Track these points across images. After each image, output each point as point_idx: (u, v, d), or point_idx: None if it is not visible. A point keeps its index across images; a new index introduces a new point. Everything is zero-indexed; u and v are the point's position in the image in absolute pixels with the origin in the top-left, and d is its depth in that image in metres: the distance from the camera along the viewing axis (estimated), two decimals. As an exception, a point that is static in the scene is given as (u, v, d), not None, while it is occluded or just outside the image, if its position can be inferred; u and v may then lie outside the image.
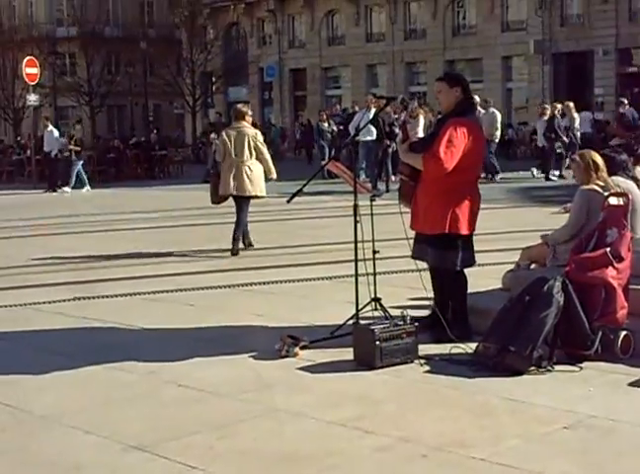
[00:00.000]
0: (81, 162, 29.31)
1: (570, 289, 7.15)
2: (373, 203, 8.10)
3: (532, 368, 6.93)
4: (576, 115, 27.63)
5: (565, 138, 26.07)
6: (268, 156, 13.84)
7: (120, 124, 62.66)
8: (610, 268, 7.29)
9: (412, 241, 8.21)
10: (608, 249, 7.38)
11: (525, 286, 7.34)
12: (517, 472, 5.13)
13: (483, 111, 26.15)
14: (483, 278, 9.50)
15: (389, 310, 8.10)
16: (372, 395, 6.64)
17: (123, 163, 35.99)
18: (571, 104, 27.99)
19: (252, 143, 13.58)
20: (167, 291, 10.80)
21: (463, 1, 48.64)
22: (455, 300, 8.13)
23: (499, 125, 27.09)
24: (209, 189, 14.50)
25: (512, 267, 9.27)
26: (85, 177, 29.46)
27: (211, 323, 9.07)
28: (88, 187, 29.17)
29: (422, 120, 25.48)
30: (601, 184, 8.40)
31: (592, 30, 43.33)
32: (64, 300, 10.43)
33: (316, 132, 33.86)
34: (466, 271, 8.17)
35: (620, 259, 7.34)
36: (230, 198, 13.99)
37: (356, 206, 8.06)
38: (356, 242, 7.98)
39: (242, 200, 13.75)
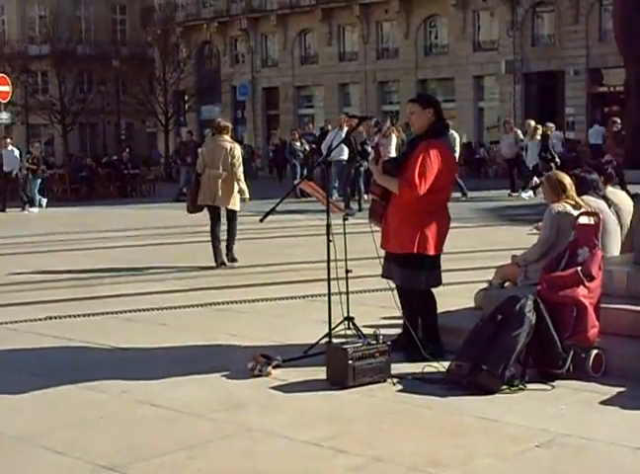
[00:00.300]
0: (39, 180, 29.03)
1: (542, 308, 7.19)
2: (346, 222, 8.14)
3: (505, 387, 6.95)
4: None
5: (557, 159, 26.16)
6: (240, 174, 14.02)
7: (92, 143, 62.52)
8: (582, 287, 7.34)
9: (383, 260, 8.24)
10: (580, 268, 7.43)
11: (498, 305, 7.37)
12: (489, 491, 5.16)
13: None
14: (455, 297, 9.54)
15: (362, 329, 8.12)
16: (346, 414, 6.64)
17: (96, 182, 35.89)
18: (532, 122, 28.24)
19: (228, 157, 13.87)
20: (140, 311, 10.77)
21: (435, 21, 48.96)
22: (426, 319, 8.16)
23: (458, 148, 27.18)
24: (187, 198, 14.87)
25: (484, 285, 9.32)
26: (37, 196, 29.16)
27: (184, 342, 9.04)
28: (35, 208, 28.79)
29: (394, 140, 25.52)
30: (572, 202, 8.47)
31: (562, 50, 43.73)
32: (38, 319, 10.38)
33: (288, 151, 33.89)
34: (438, 289, 8.20)
35: (591, 278, 7.39)
36: (205, 211, 14.32)
37: (328, 226, 8.08)
38: (328, 261, 7.99)
39: (229, 212, 14.16)
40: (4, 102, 34.12)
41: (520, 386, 7.01)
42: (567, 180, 8.60)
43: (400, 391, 7.16)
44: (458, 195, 25.49)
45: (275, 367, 7.74)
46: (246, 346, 8.69)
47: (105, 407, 7.02)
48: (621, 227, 9.34)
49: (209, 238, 14.27)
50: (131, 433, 6.40)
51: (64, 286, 12.84)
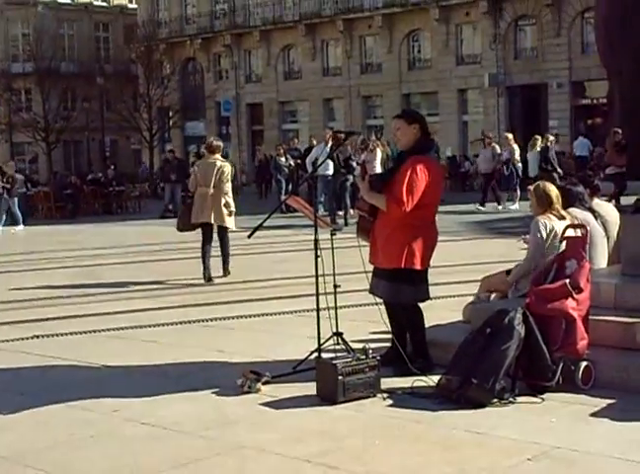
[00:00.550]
0: (15, 199, 28.88)
1: (531, 321, 7.20)
2: (333, 237, 8.14)
3: (495, 400, 6.95)
4: (515, 146, 27.90)
5: (560, 170, 26.17)
6: (226, 189, 14.24)
7: (76, 160, 62.38)
8: (570, 299, 7.34)
9: (371, 275, 8.24)
10: (568, 280, 7.43)
11: (486, 319, 7.37)
12: (482, 505, 5.15)
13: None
14: (444, 311, 9.54)
15: (351, 344, 8.10)
16: (336, 430, 6.62)
17: (81, 199, 35.79)
18: (510, 135, 28.33)
19: (218, 175, 14.14)
20: (128, 328, 10.73)
21: (418, 35, 49.11)
22: (414, 333, 8.16)
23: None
24: (179, 216, 15.15)
25: (472, 299, 9.32)
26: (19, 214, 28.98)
27: (173, 360, 9.01)
28: (20, 226, 28.56)
29: (379, 154, 25.59)
30: (557, 214, 8.48)
31: (545, 63, 43.93)
32: (24, 338, 10.34)
33: (273, 167, 33.84)
34: (427, 303, 8.20)
35: (580, 290, 7.39)
36: (198, 230, 14.45)
37: (316, 241, 8.08)
38: (317, 276, 7.99)
39: (220, 229, 14.35)
40: (-13, 120, 34.01)
41: (511, 399, 7.01)
42: (554, 192, 8.60)
43: (390, 406, 7.14)
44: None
45: (264, 384, 7.72)
46: (235, 362, 8.67)
47: (94, 426, 6.97)
48: (608, 239, 9.37)
49: (198, 254, 14.37)
50: (121, 451, 6.36)
51: (51, 305, 12.80)
